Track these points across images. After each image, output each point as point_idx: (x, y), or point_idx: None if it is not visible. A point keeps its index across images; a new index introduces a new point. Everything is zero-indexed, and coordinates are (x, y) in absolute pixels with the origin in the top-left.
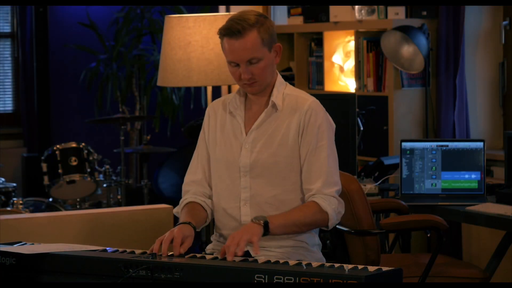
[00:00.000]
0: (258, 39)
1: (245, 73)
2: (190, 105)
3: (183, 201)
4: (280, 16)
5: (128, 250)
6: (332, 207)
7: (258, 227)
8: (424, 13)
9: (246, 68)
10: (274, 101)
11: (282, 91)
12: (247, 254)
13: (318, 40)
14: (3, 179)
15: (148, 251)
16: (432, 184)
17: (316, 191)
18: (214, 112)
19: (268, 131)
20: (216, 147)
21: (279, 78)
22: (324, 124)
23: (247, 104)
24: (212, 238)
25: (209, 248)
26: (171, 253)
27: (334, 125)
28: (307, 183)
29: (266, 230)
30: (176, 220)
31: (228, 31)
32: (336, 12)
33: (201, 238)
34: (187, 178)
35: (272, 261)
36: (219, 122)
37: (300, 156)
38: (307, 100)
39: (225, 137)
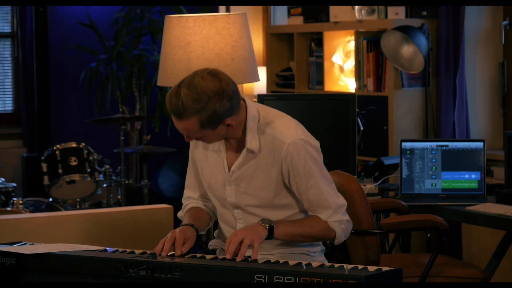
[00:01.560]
0: (196, 125)
1: (188, 138)
2: None
3: (185, 206)
4: (280, 16)
5: (128, 250)
6: (341, 227)
7: (263, 229)
8: (424, 13)
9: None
10: (249, 148)
11: (256, 127)
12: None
13: (318, 40)
14: (3, 179)
15: (149, 251)
16: (432, 184)
17: (325, 219)
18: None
19: (249, 173)
20: (205, 177)
21: (251, 113)
22: (307, 161)
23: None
24: (216, 233)
25: (211, 244)
26: (172, 253)
27: (317, 144)
28: (313, 213)
29: (270, 234)
30: (176, 221)
31: (169, 108)
32: (336, 12)
33: (201, 238)
34: (186, 192)
35: (272, 261)
36: (202, 152)
37: (295, 194)
38: (284, 143)
39: (210, 169)
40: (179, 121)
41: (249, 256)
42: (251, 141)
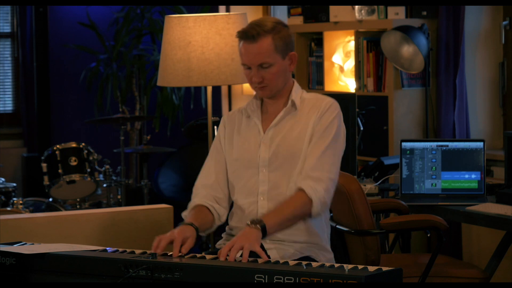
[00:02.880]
0: (271, 46)
1: (255, 76)
2: (190, 105)
3: (191, 204)
4: (280, 16)
5: (128, 250)
6: (318, 196)
7: (257, 232)
8: (424, 13)
9: (258, 72)
10: (294, 100)
11: (300, 95)
12: (253, 254)
13: (318, 40)
14: (3, 179)
15: (149, 251)
16: (432, 184)
17: (308, 170)
18: (230, 120)
19: (286, 127)
20: (233, 149)
21: (297, 84)
22: (336, 122)
23: (264, 107)
24: (223, 234)
25: (219, 243)
26: (170, 253)
27: (345, 130)
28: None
29: (264, 232)
30: (177, 221)
31: (244, 35)
32: (336, 12)
33: (202, 238)
34: (199, 181)
35: (272, 261)
36: (236, 127)
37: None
38: (325, 99)
39: (242, 139)
40: (254, 43)
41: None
42: (296, 98)
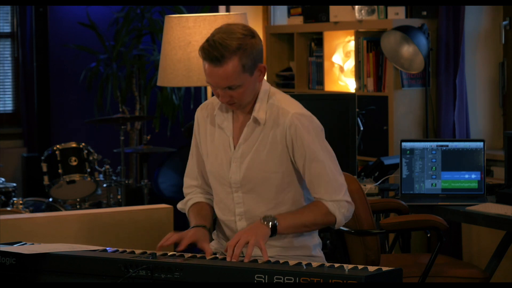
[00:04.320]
0: (238, 67)
1: (223, 96)
2: (190, 105)
3: (188, 199)
4: (280, 16)
5: (128, 250)
6: (342, 211)
7: (266, 228)
8: (424, 13)
9: (224, 92)
10: (256, 116)
11: (266, 100)
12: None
13: (318, 40)
14: (3, 179)
15: (149, 251)
16: (432, 184)
17: (327, 199)
18: (203, 119)
19: (255, 145)
20: (208, 159)
21: (264, 86)
22: (311, 134)
23: (234, 114)
24: (214, 236)
25: (211, 246)
26: (170, 253)
27: (321, 127)
28: (314, 193)
29: (274, 231)
30: (176, 221)
31: (207, 56)
32: (336, 12)
33: None
34: (187, 181)
35: (272, 261)
36: (208, 132)
37: (298, 168)
38: (288, 113)
39: (215, 150)
40: (219, 67)
41: (257, 257)
42: (259, 111)
